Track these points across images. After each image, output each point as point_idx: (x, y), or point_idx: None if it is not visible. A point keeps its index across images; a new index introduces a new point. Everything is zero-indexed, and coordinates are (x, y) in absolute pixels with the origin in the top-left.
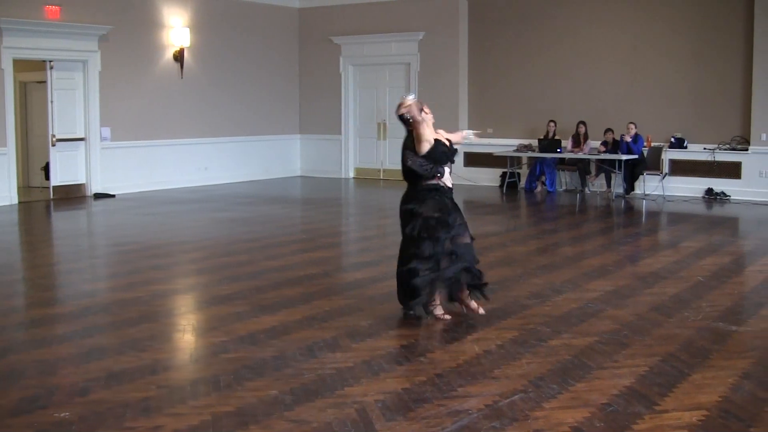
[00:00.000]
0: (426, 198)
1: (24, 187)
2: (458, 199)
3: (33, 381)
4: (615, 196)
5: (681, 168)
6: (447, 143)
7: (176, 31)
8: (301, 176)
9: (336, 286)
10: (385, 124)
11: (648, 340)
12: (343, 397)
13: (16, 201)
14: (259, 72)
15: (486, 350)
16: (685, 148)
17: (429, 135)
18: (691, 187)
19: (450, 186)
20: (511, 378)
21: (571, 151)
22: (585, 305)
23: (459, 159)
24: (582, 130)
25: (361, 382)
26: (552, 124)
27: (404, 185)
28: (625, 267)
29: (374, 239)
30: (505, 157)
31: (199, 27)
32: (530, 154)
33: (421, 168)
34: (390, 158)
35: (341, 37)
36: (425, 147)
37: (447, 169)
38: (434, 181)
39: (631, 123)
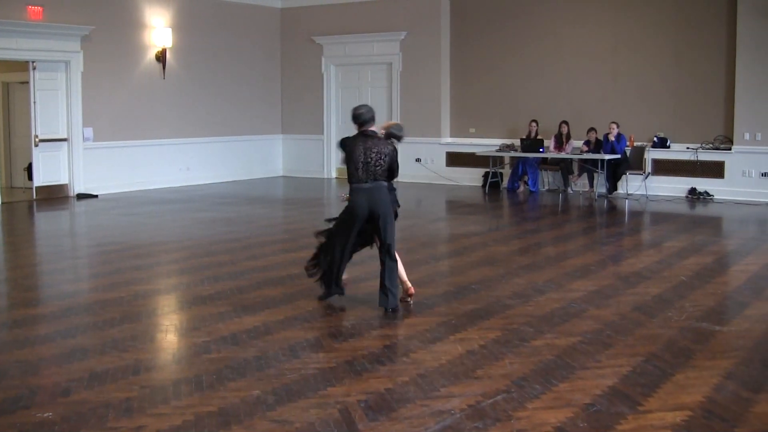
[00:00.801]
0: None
1: (7, 188)
2: (441, 198)
3: (15, 381)
4: (598, 196)
5: (664, 167)
6: None
7: (158, 31)
8: (283, 176)
9: (318, 287)
10: None
11: (631, 340)
12: (325, 397)
13: None
14: (242, 72)
15: (469, 350)
16: (668, 147)
17: None
18: (674, 186)
19: None
20: (493, 378)
21: (554, 151)
22: (568, 305)
23: (441, 159)
24: (564, 129)
25: (343, 382)
26: (534, 123)
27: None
28: (607, 267)
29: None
30: (488, 156)
31: (181, 27)
32: (513, 153)
33: None
34: None
35: (323, 36)
36: None
37: None
38: None
39: (613, 123)
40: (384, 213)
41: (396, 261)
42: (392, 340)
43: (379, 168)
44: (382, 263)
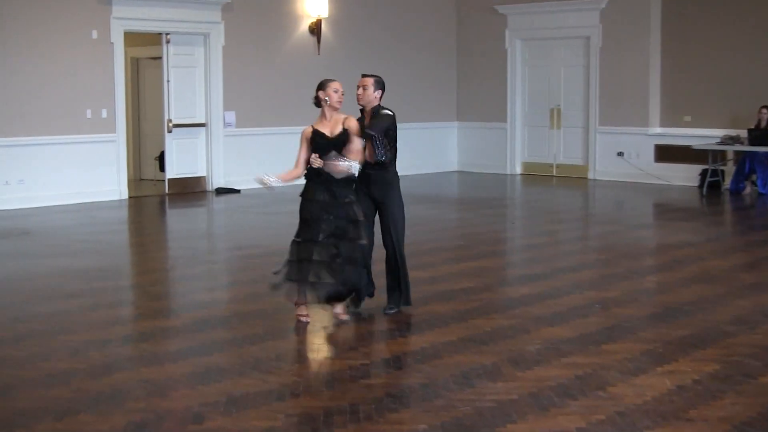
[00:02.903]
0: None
1: (135, 180)
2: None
3: (140, 404)
4: None
5: None
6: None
7: None
8: (458, 171)
9: (497, 303)
10: (559, 110)
11: None
12: None
13: (126, 196)
14: (409, 48)
15: (679, 385)
16: None
17: None
18: None
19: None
20: (709, 421)
21: None
22: None
23: (648, 153)
24: None
25: (526, 419)
26: (765, 110)
27: (578, 183)
28: None
29: (544, 248)
30: (706, 151)
31: None
32: (737, 147)
33: None
34: (565, 151)
35: (507, 6)
36: None
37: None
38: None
39: None
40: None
41: None
42: (585, 370)
43: None
44: None
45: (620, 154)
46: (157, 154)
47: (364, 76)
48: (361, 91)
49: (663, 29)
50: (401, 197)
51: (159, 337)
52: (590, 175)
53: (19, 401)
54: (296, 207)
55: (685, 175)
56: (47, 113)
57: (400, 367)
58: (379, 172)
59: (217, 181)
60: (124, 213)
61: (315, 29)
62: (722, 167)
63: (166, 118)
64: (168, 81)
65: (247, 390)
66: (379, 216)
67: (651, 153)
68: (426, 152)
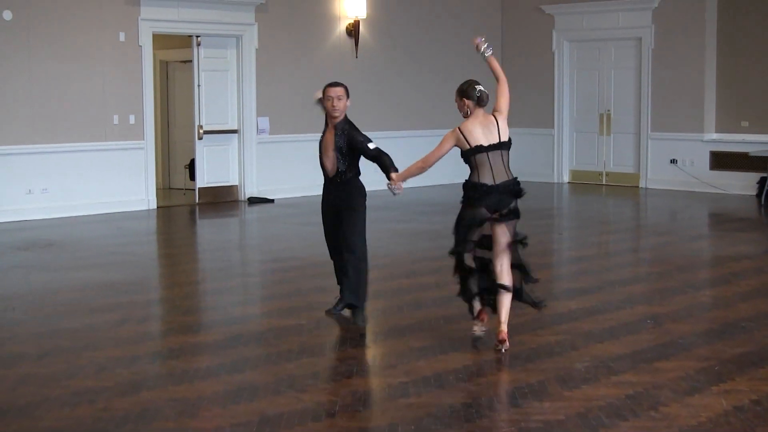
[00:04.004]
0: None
1: (164, 189)
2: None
3: (170, 423)
4: None
5: None
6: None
7: None
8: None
9: (543, 318)
10: (609, 116)
11: None
12: None
13: (154, 205)
14: (451, 51)
15: (736, 406)
16: None
17: None
18: None
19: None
20: None
21: None
22: None
23: (703, 160)
24: None
25: None
26: None
27: (629, 192)
28: None
29: (593, 260)
30: (765, 158)
31: None
32: None
33: None
34: (615, 158)
35: (555, 5)
36: None
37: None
38: None
39: None
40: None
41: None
42: (636, 389)
43: None
44: None
45: (674, 161)
46: (187, 162)
47: None
48: None
49: (719, 29)
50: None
51: (189, 354)
52: (642, 184)
53: (43, 420)
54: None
55: (742, 184)
56: (72, 119)
57: (442, 386)
58: None
59: (250, 191)
60: (152, 223)
61: (352, 31)
62: None
63: (197, 124)
64: (199, 85)
65: (281, 409)
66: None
67: (706, 160)
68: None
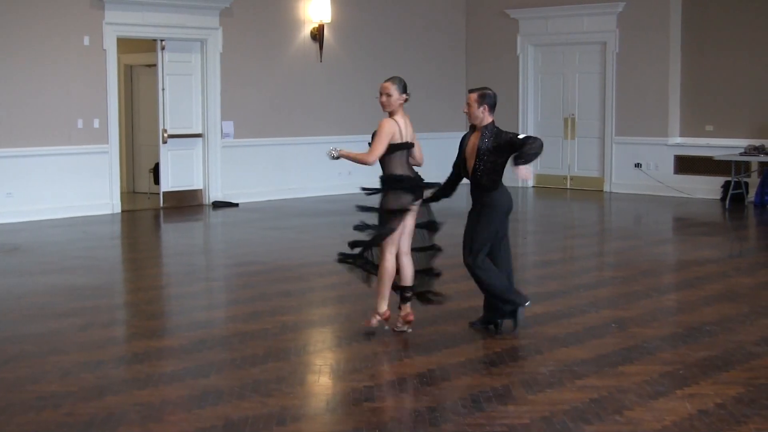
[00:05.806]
0: None
1: (128, 193)
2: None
3: (135, 428)
4: None
5: None
6: None
7: (315, 2)
8: (466, 184)
9: (508, 323)
10: (573, 120)
11: None
12: None
13: (119, 209)
14: (416, 55)
15: (701, 410)
16: None
17: None
18: None
19: None
20: None
21: None
22: None
23: (668, 164)
24: None
25: None
26: None
27: (594, 196)
28: None
29: (558, 265)
30: (729, 162)
31: None
32: (762, 158)
33: None
34: (580, 162)
35: (519, 9)
36: None
37: None
38: None
39: None
40: None
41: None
42: (601, 393)
43: None
44: None
45: (638, 165)
46: (152, 166)
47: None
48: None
49: (683, 34)
50: None
51: (154, 358)
52: (606, 188)
53: (7, 426)
54: (294, 222)
55: (706, 188)
56: (36, 123)
57: (406, 390)
58: None
59: (215, 195)
60: (117, 228)
61: (317, 35)
62: (746, 179)
63: (161, 128)
64: (163, 89)
65: (246, 414)
66: None
67: (670, 164)
68: (434, 163)
